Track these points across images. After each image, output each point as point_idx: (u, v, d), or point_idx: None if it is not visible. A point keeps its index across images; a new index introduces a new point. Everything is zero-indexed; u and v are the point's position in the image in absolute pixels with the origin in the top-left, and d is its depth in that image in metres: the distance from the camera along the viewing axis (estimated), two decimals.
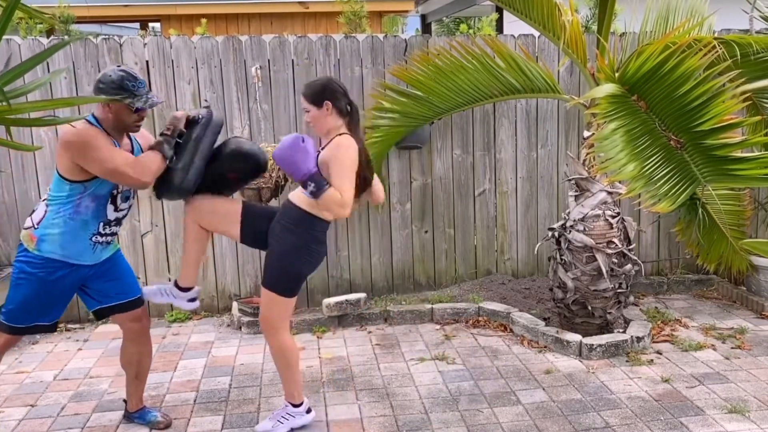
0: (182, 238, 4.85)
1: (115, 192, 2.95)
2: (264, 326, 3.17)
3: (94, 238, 2.96)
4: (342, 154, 2.92)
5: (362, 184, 3.06)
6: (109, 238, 3.04)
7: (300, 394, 3.27)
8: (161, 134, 2.97)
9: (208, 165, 3.02)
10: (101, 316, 3.19)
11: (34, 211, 2.97)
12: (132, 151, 3.01)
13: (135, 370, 3.29)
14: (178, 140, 2.96)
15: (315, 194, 2.87)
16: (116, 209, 3.00)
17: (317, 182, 2.86)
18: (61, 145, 2.80)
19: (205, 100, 4.65)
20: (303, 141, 2.89)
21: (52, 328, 3.08)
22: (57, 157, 2.85)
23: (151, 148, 2.95)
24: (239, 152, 3.08)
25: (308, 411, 3.30)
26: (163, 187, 2.98)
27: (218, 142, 3.12)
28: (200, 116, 3.01)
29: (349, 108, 3.03)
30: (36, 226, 2.90)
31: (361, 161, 3.00)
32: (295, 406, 3.26)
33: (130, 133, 3.02)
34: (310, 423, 3.30)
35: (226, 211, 3.15)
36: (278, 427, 3.23)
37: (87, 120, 2.87)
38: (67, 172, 2.84)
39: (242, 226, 3.12)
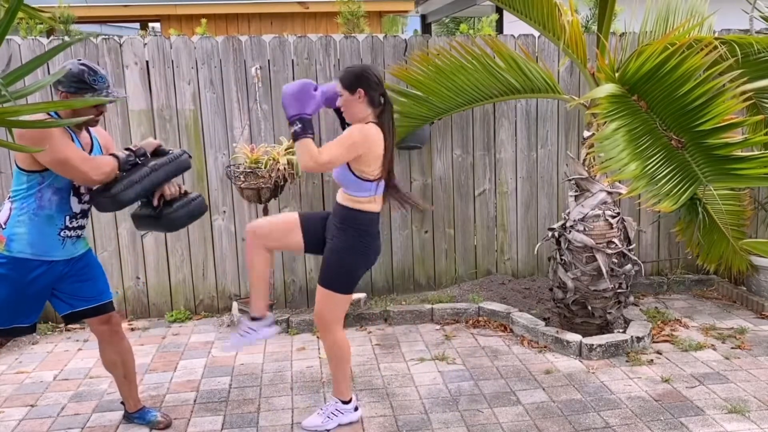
0: (181, 238, 4.87)
1: (76, 184, 2.93)
2: (319, 323, 3.20)
3: (62, 233, 2.94)
4: (350, 131, 2.97)
5: (386, 178, 3.11)
6: (78, 232, 3.02)
7: (349, 390, 3.31)
8: (126, 148, 3.01)
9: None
10: (71, 320, 3.16)
11: None
12: (91, 145, 3.01)
13: (121, 371, 3.27)
14: (139, 161, 2.98)
15: (296, 135, 2.92)
16: (80, 201, 2.98)
17: (304, 125, 2.91)
18: (17, 134, 2.78)
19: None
20: (315, 89, 2.96)
21: (31, 330, 3.06)
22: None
23: (111, 154, 2.96)
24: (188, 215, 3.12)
25: (356, 408, 3.34)
26: (100, 191, 2.94)
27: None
28: (170, 151, 3.08)
29: (382, 100, 3.06)
30: (3, 227, 2.89)
31: (387, 155, 3.04)
32: (344, 402, 3.29)
33: (90, 128, 3.03)
34: (358, 420, 3.32)
35: (285, 223, 3.19)
36: (327, 423, 3.26)
37: (48, 113, 2.87)
38: (24, 163, 2.83)
39: (304, 234, 3.16)
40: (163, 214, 3.05)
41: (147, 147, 3.05)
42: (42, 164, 2.81)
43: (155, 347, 4.38)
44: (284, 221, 3.21)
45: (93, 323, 3.19)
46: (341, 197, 3.12)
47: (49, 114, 2.86)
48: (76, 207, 2.98)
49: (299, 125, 2.91)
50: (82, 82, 2.81)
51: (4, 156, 4.67)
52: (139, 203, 3.10)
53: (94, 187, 2.95)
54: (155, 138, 4.64)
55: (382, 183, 3.09)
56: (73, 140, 2.89)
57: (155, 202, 3.05)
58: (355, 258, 3.10)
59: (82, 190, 2.97)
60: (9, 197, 2.93)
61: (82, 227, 3.05)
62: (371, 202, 3.08)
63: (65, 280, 3.04)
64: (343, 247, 3.08)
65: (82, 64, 2.85)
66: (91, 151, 3.01)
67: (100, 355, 3.28)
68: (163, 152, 3.07)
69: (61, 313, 3.13)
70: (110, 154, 2.97)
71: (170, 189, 3.07)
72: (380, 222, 3.20)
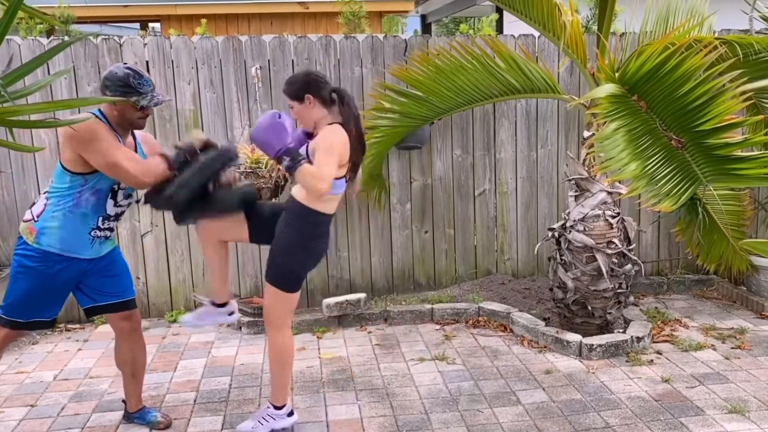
0: (181, 238, 4.87)
1: (116, 187, 2.96)
2: (266, 320, 3.19)
3: (92, 233, 2.96)
4: (322, 139, 2.93)
5: (352, 169, 3.06)
6: (107, 233, 3.05)
7: (284, 396, 3.24)
8: (176, 146, 3.02)
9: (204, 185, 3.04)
10: (92, 314, 3.19)
11: (33, 204, 2.98)
12: (135, 149, 3.03)
13: (130, 369, 3.29)
14: (188, 158, 2.98)
15: (290, 169, 2.86)
16: (116, 204, 3.00)
17: (292, 156, 2.85)
18: (66, 135, 2.81)
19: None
20: (279, 116, 2.89)
21: (51, 325, 3.09)
22: (61, 148, 2.87)
23: (160, 155, 2.99)
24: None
25: (290, 414, 3.27)
26: (153, 194, 2.98)
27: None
28: (217, 145, 3.08)
29: (333, 95, 3.01)
30: (36, 219, 2.91)
31: (353, 146, 2.99)
32: (276, 408, 3.23)
33: (135, 132, 3.05)
34: (290, 427, 3.26)
35: (232, 221, 3.16)
36: (258, 428, 3.21)
37: (94, 114, 2.90)
38: (70, 164, 2.85)
39: (249, 226, 3.14)
40: (218, 195, 3.06)
41: (195, 142, 3.03)
42: (90, 166, 2.83)
43: (155, 347, 4.38)
44: (231, 219, 3.17)
45: (114, 319, 3.20)
46: (297, 192, 3.05)
47: (95, 115, 2.88)
48: (110, 210, 3.00)
49: (288, 159, 2.85)
50: (127, 86, 2.83)
51: (3, 156, 4.67)
52: None
53: (146, 189, 2.98)
54: (155, 137, 4.65)
55: (343, 181, 3.03)
56: (120, 142, 2.90)
57: (210, 188, 3.06)
58: (299, 256, 3.04)
59: (119, 196, 2.99)
60: (45, 192, 2.95)
61: (111, 229, 3.07)
62: (328, 200, 3.02)
63: (90, 275, 3.06)
64: (288, 245, 3.03)
65: (128, 68, 2.87)
66: (135, 152, 3.01)
67: (115, 350, 3.29)
68: (211, 145, 3.05)
69: (84, 307, 3.17)
70: (160, 154, 2.99)
71: (227, 177, 3.10)
72: (330, 224, 3.14)
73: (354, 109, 3.04)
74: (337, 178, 2.95)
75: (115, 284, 3.14)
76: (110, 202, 2.97)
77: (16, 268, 2.94)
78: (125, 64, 2.91)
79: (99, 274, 3.09)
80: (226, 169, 3.10)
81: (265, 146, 2.89)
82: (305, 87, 2.98)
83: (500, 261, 5.34)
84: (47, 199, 2.92)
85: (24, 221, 2.96)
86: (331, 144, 2.90)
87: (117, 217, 3.06)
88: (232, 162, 3.10)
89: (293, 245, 3.03)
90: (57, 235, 2.90)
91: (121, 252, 3.30)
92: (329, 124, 2.99)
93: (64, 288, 3.02)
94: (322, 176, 2.84)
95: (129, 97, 2.82)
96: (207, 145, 3.05)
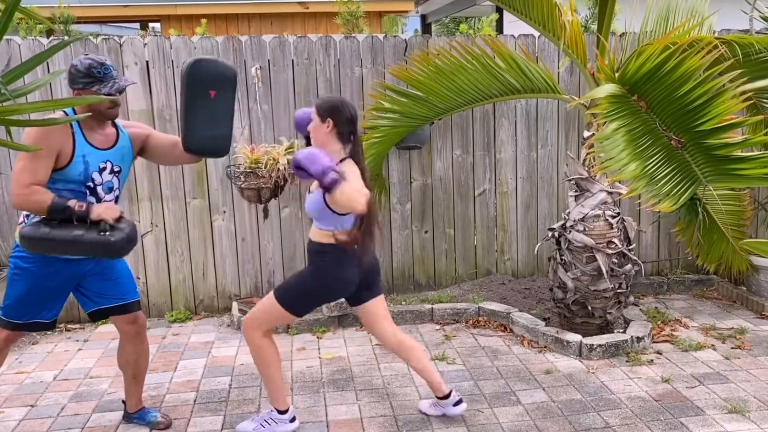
0: (181, 238, 4.87)
1: (91, 184, 2.90)
2: (249, 319, 3.14)
3: None
4: (351, 170, 2.93)
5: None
6: None
7: (283, 399, 3.22)
8: (79, 204, 2.78)
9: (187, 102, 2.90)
10: (97, 317, 3.17)
11: None
12: (117, 140, 3.00)
13: (132, 371, 3.28)
14: (75, 221, 2.76)
15: (334, 182, 2.75)
16: (99, 200, 2.94)
17: (340, 173, 2.77)
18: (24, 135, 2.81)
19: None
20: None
21: (51, 326, 3.08)
22: None
23: (59, 197, 2.78)
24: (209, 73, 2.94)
25: (292, 420, 3.26)
26: (23, 221, 2.87)
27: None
28: (112, 231, 2.78)
29: (351, 137, 3.02)
30: (25, 222, 2.90)
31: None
32: (280, 412, 3.22)
33: (116, 122, 3.03)
34: None
35: (274, 309, 3.11)
36: (259, 430, 3.20)
37: (64, 111, 2.89)
38: None
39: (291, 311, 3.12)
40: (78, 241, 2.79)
41: (103, 213, 2.78)
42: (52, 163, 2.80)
43: (155, 347, 4.38)
44: (274, 309, 3.11)
45: (118, 322, 3.19)
46: (314, 233, 3.09)
47: (65, 112, 2.87)
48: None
49: (334, 173, 2.75)
50: (89, 76, 2.82)
51: (3, 156, 4.67)
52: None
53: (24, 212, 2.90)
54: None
55: (352, 216, 3.00)
56: (74, 137, 2.85)
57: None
58: (318, 285, 3.07)
59: (99, 190, 2.94)
60: None
61: None
62: (341, 234, 3.02)
63: (90, 278, 3.05)
64: (310, 272, 3.10)
65: (89, 59, 2.85)
66: (115, 143, 2.98)
67: (118, 352, 3.28)
68: (107, 228, 2.76)
69: (87, 311, 3.15)
70: (59, 197, 2.78)
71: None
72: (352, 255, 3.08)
73: (363, 158, 3.10)
74: (344, 214, 2.96)
75: (116, 287, 3.13)
76: (91, 200, 2.92)
77: (12, 270, 2.94)
78: (86, 54, 2.90)
79: (99, 276, 3.08)
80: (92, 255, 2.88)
81: (310, 169, 2.76)
82: (333, 112, 2.97)
83: (500, 261, 5.33)
84: None
85: (18, 224, 2.95)
86: (355, 175, 2.91)
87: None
88: (105, 255, 2.85)
89: (317, 275, 3.07)
90: None
91: None
92: (342, 159, 3.00)
93: (61, 290, 3.01)
94: (360, 190, 2.83)
95: (91, 87, 2.80)
96: (109, 223, 2.78)
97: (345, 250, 3.03)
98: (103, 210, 2.80)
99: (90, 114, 2.85)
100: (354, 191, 2.79)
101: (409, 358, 3.29)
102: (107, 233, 2.76)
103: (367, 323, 3.31)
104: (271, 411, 3.24)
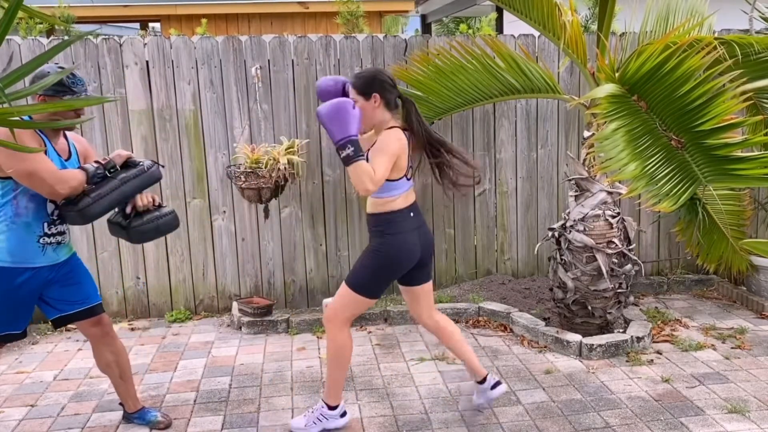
0: (181, 238, 4.87)
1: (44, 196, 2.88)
2: (330, 317, 3.14)
3: (41, 240, 2.90)
4: (383, 142, 2.92)
5: (438, 167, 3.13)
6: (59, 238, 2.98)
7: (338, 396, 3.26)
8: (96, 161, 2.97)
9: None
10: (60, 324, 3.14)
11: None
12: (68, 152, 3.00)
13: (116, 371, 3.26)
14: (109, 173, 2.93)
15: (348, 159, 2.78)
16: (57, 206, 2.94)
17: (357, 148, 2.79)
18: None
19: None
20: (353, 107, 2.84)
21: (22, 336, 3.04)
22: None
23: (81, 167, 2.93)
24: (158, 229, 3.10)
25: (343, 414, 3.28)
26: (67, 204, 2.91)
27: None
28: (141, 163, 3.02)
29: (398, 101, 3.01)
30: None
31: (423, 146, 3.04)
32: (330, 407, 3.24)
33: (66, 133, 3.02)
34: (344, 427, 3.28)
35: (349, 297, 3.13)
36: (311, 427, 3.22)
37: (21, 117, 2.86)
38: None
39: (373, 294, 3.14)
40: (131, 225, 3.02)
41: (117, 159, 2.99)
42: None
43: (155, 347, 4.39)
44: (359, 299, 3.12)
45: (83, 326, 3.16)
46: (369, 206, 3.10)
47: (21, 118, 2.85)
48: (53, 213, 2.94)
49: (351, 148, 2.77)
50: (60, 85, 2.80)
51: None
52: (115, 209, 3.05)
53: (60, 201, 2.91)
54: (155, 138, 4.65)
55: (405, 180, 3.04)
56: (46, 146, 2.85)
57: (128, 211, 3.03)
58: (380, 261, 3.05)
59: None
60: None
61: (62, 233, 3.00)
62: (400, 198, 3.04)
63: (51, 285, 3.01)
64: (372, 249, 3.09)
65: (60, 68, 2.85)
66: (68, 158, 2.99)
67: (95, 357, 3.26)
68: (133, 164, 3.01)
69: (50, 318, 3.11)
70: (79, 167, 2.92)
71: (142, 200, 3.04)
72: (417, 213, 3.12)
73: (419, 116, 3.08)
74: (396, 179, 2.98)
75: (78, 292, 3.09)
76: (50, 206, 2.90)
77: None
78: (56, 63, 2.90)
79: (60, 283, 3.03)
80: (146, 189, 3.04)
81: (330, 125, 2.79)
82: (375, 84, 2.95)
83: (500, 261, 5.34)
84: None
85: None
86: (391, 148, 2.90)
87: (63, 219, 2.98)
88: (153, 182, 3.05)
89: (378, 251, 3.06)
90: (5, 249, 2.83)
91: (80, 258, 3.21)
92: (389, 127, 2.98)
93: (29, 300, 2.96)
94: (374, 178, 2.83)
95: (61, 97, 2.79)
96: (128, 163, 3.01)
97: (401, 217, 3.03)
98: (117, 155, 3.02)
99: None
100: (363, 173, 2.80)
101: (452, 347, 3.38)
102: (139, 165, 3.02)
103: (413, 309, 3.35)
104: (322, 407, 3.25)
